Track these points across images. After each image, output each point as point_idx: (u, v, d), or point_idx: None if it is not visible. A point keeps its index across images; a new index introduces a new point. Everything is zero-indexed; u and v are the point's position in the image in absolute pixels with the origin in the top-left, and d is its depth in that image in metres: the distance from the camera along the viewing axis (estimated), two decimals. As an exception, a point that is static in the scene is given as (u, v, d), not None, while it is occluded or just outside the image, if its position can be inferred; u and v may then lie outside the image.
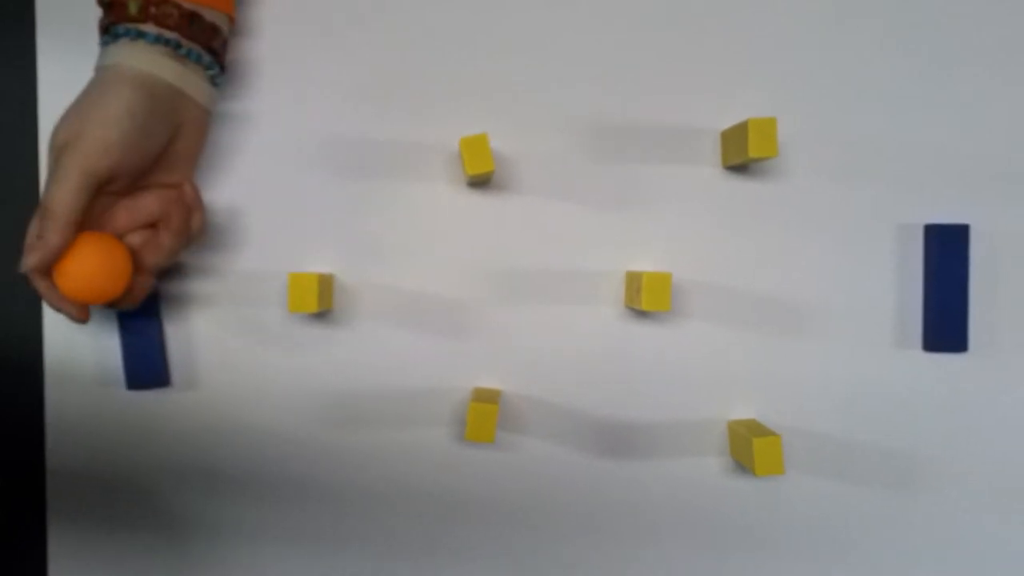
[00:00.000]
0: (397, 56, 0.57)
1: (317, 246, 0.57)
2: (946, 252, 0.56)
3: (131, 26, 0.48)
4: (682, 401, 0.57)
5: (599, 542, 0.58)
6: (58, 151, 0.47)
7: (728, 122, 0.56)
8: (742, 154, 0.52)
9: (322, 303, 0.53)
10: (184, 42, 0.49)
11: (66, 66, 0.56)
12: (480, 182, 0.56)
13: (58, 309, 0.49)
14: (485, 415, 0.52)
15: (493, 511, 0.58)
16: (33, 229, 0.47)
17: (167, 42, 0.48)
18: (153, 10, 0.48)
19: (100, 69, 0.49)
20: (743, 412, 0.58)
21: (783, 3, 0.57)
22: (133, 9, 0.48)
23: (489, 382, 0.57)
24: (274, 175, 0.57)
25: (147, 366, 0.56)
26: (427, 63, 0.57)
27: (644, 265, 0.57)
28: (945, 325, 0.56)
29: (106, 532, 0.58)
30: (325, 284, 0.54)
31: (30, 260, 0.47)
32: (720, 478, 0.58)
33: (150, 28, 0.48)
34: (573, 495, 0.58)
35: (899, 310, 0.58)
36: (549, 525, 0.58)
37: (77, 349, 0.57)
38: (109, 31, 0.49)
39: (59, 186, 0.46)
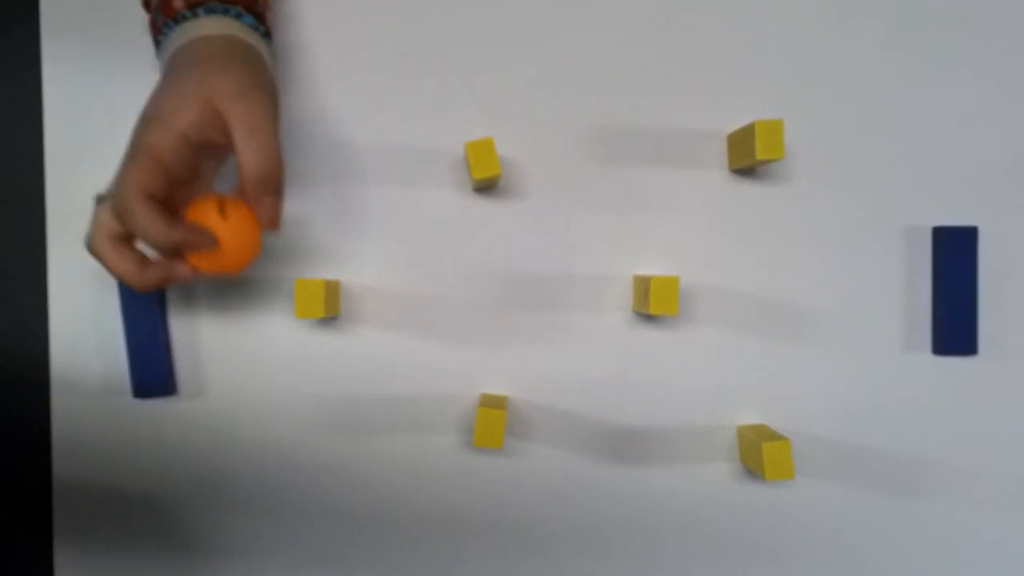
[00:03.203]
0: (403, 61, 0.57)
1: (323, 252, 0.57)
2: (955, 254, 0.56)
3: (193, 8, 0.48)
4: (691, 406, 0.57)
5: (608, 548, 0.58)
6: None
7: (735, 125, 0.56)
8: (749, 157, 0.52)
9: (329, 309, 0.53)
10: (244, 13, 0.49)
11: (70, 68, 0.56)
12: (486, 186, 0.56)
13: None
14: (493, 421, 0.52)
15: (501, 516, 0.57)
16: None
17: (237, 15, 0.49)
18: None
19: (183, 49, 0.47)
20: (752, 417, 0.57)
21: (789, 6, 0.57)
22: None
23: (497, 388, 0.57)
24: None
25: (153, 374, 0.56)
26: (433, 68, 0.57)
27: (651, 269, 0.57)
28: (954, 328, 0.56)
29: (112, 541, 0.57)
30: (332, 290, 0.54)
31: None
32: (730, 483, 0.57)
33: (215, 4, 0.48)
34: (582, 500, 0.57)
35: (908, 313, 0.57)
36: (558, 531, 0.57)
37: (83, 357, 0.57)
38: (168, 24, 0.48)
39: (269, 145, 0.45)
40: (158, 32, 0.49)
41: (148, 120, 0.45)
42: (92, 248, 0.46)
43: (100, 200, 0.46)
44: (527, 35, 0.57)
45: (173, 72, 0.46)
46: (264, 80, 0.47)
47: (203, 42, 0.47)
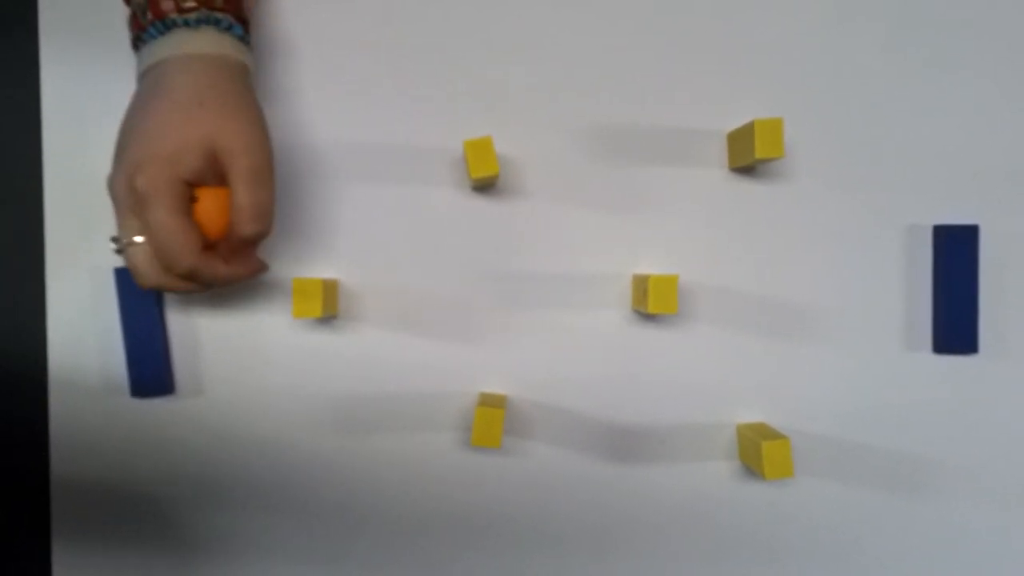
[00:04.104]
0: (402, 60, 0.57)
1: (321, 251, 0.57)
2: (955, 253, 0.56)
3: (184, 16, 0.46)
4: (690, 404, 0.57)
5: (607, 547, 0.58)
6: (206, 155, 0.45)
7: (734, 124, 0.56)
8: (748, 155, 0.52)
9: (327, 308, 0.52)
10: (232, 21, 0.48)
11: (68, 68, 0.56)
12: (485, 185, 0.56)
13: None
14: (491, 420, 0.52)
15: (500, 515, 0.57)
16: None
17: (228, 27, 0.48)
18: None
19: (174, 65, 0.46)
20: (752, 415, 0.57)
21: (789, 5, 0.57)
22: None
23: (495, 387, 0.57)
24: (278, 180, 0.57)
25: (151, 373, 0.55)
26: (432, 66, 0.57)
27: (651, 268, 0.57)
28: (955, 326, 0.56)
29: (111, 539, 0.57)
30: (330, 289, 0.54)
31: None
32: (729, 482, 0.57)
33: (207, 13, 0.47)
34: (581, 499, 0.57)
35: (908, 312, 0.57)
36: (557, 530, 0.57)
37: (81, 357, 0.57)
38: (155, 25, 0.47)
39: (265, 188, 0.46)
40: (141, 30, 0.47)
41: (151, 159, 0.44)
42: (155, 286, 0.46)
43: (120, 243, 0.46)
44: (526, 34, 0.57)
45: (166, 97, 0.46)
46: (262, 119, 0.47)
47: (198, 64, 0.46)
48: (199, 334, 0.57)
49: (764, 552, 0.58)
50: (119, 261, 0.56)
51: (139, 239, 0.45)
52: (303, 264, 0.57)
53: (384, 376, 0.57)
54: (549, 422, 0.57)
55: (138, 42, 0.48)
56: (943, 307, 0.56)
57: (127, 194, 0.44)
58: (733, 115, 0.56)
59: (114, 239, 0.46)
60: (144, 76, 0.48)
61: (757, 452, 0.52)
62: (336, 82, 0.57)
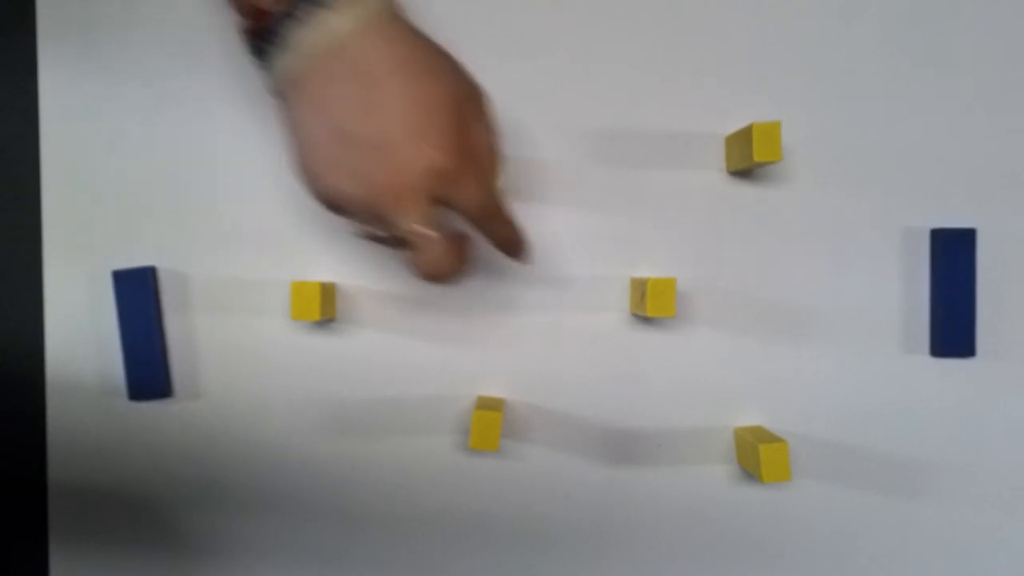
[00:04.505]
0: (399, 63, 0.57)
1: (320, 254, 0.57)
2: (953, 256, 0.56)
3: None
4: (688, 408, 0.57)
5: (605, 550, 0.58)
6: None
7: (732, 127, 0.56)
8: (746, 159, 0.52)
9: (325, 312, 0.52)
10: None
11: (67, 71, 0.56)
12: (483, 189, 0.56)
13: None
14: (489, 423, 0.52)
15: (497, 518, 0.57)
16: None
17: None
18: None
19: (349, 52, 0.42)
20: (749, 419, 0.57)
21: (787, 7, 0.57)
22: None
23: (493, 390, 0.57)
24: (276, 183, 0.57)
25: (149, 376, 0.55)
26: (429, 70, 0.57)
27: (648, 271, 0.57)
28: (952, 330, 0.56)
29: (108, 542, 0.57)
30: (328, 293, 0.54)
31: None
32: (727, 485, 0.57)
33: None
34: (578, 503, 0.57)
35: (906, 315, 0.57)
36: (554, 534, 0.57)
37: (79, 359, 0.57)
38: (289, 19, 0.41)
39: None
40: (269, 27, 0.42)
41: (411, 136, 0.41)
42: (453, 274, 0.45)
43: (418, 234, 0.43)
44: (524, 36, 0.57)
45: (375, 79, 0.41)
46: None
47: (376, 32, 0.42)
48: (197, 337, 0.57)
49: (761, 555, 0.58)
50: (117, 263, 0.56)
51: (432, 233, 0.43)
52: (301, 267, 0.57)
53: (382, 379, 0.57)
54: (547, 425, 0.57)
55: (267, 46, 0.43)
56: (941, 310, 0.56)
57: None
58: (731, 118, 0.56)
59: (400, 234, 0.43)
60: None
61: (754, 455, 0.52)
62: (334, 85, 0.57)
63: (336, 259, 0.57)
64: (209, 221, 0.57)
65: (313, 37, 0.41)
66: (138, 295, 0.55)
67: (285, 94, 0.43)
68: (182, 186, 0.57)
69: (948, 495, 0.57)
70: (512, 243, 0.48)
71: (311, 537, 0.57)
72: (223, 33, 0.56)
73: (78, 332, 0.57)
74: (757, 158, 0.50)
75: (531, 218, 0.57)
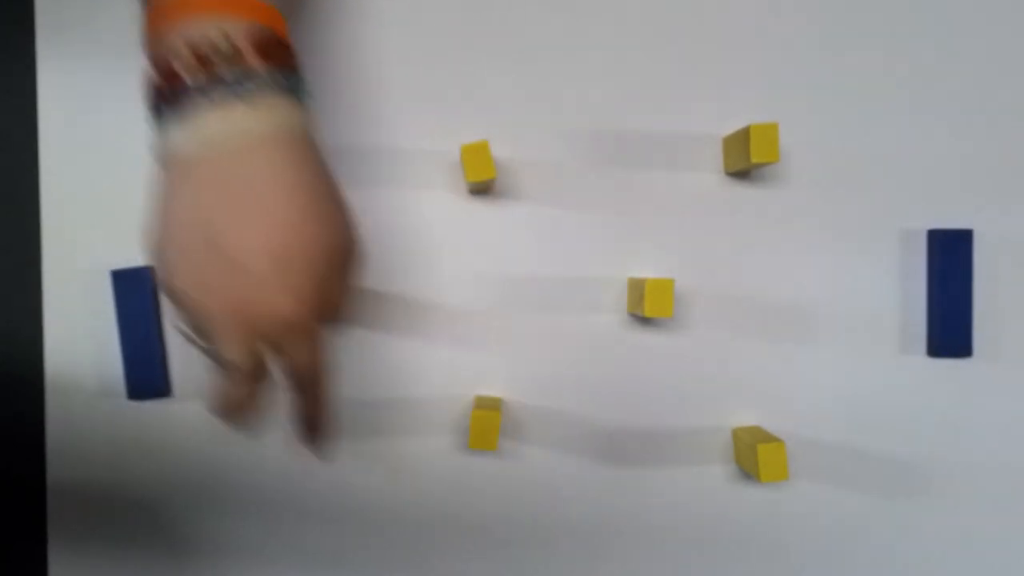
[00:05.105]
0: (397, 64, 0.57)
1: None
2: (950, 257, 0.56)
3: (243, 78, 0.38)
4: (685, 408, 0.57)
5: (603, 550, 0.58)
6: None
7: (730, 128, 0.56)
8: (744, 160, 0.52)
9: (323, 312, 0.52)
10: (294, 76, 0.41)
11: (66, 72, 0.56)
12: (481, 189, 0.56)
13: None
14: (488, 423, 0.52)
15: (496, 519, 0.57)
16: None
17: (294, 85, 0.41)
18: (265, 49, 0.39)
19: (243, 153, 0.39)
20: (747, 419, 0.57)
21: (785, 8, 0.57)
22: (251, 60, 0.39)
23: (491, 390, 0.57)
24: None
25: (148, 376, 0.56)
26: (428, 70, 0.57)
27: (646, 272, 0.57)
28: (949, 330, 0.56)
29: (107, 543, 0.57)
30: (326, 292, 0.54)
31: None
32: (724, 485, 0.57)
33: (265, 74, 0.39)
34: (577, 503, 0.57)
35: (903, 315, 0.57)
36: (553, 534, 0.58)
37: (78, 359, 0.57)
38: (204, 92, 0.38)
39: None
40: (176, 93, 0.38)
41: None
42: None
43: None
44: (523, 38, 0.57)
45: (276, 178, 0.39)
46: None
47: (277, 146, 0.39)
48: (196, 337, 0.57)
49: (759, 555, 0.58)
50: (116, 263, 0.56)
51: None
52: (300, 267, 0.57)
53: (380, 379, 0.57)
54: (545, 425, 0.57)
55: (173, 107, 0.39)
56: (938, 311, 0.56)
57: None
58: (729, 119, 0.57)
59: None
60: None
61: (752, 455, 0.52)
62: (331, 86, 0.57)
63: (335, 259, 0.57)
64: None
65: (218, 126, 0.38)
66: (137, 295, 0.55)
67: (167, 167, 0.40)
68: (181, 186, 0.57)
69: (945, 495, 0.58)
70: (313, 422, 0.46)
71: (310, 537, 0.57)
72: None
73: (77, 332, 0.57)
74: (755, 159, 0.50)
75: (530, 218, 0.57)
